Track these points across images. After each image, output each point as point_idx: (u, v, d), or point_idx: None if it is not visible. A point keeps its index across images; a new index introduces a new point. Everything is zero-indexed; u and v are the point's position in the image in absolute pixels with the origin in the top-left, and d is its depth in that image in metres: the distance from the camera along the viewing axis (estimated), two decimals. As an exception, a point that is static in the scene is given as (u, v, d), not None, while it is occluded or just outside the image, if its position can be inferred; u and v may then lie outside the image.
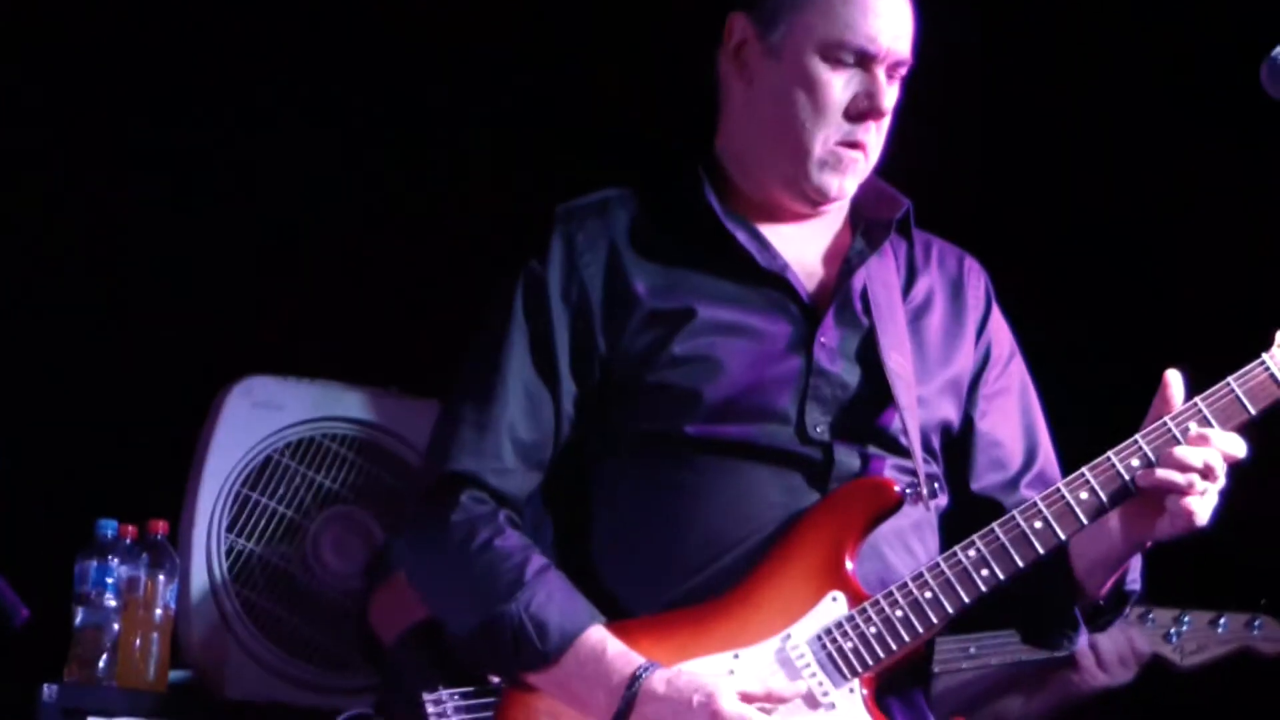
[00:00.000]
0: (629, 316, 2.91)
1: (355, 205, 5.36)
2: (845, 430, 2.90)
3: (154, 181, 5.15)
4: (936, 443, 2.98)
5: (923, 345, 3.00)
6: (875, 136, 2.95)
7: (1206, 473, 2.81)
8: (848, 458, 2.89)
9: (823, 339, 2.92)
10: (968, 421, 3.03)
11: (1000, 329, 3.10)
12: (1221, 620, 3.95)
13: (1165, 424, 2.86)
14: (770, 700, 2.76)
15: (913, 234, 3.08)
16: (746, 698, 2.75)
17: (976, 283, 3.11)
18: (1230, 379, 2.88)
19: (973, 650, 3.62)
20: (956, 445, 3.02)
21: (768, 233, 2.98)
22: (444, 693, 2.89)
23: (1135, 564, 3.01)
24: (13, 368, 4.63)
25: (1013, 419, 3.07)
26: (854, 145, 2.95)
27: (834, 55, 2.93)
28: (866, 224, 3.02)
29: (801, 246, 3.01)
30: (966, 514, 2.99)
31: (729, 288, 2.93)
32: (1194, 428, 2.84)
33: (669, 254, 2.95)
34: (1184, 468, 2.81)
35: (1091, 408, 3.78)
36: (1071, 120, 5.24)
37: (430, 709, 2.88)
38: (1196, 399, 2.87)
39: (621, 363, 2.91)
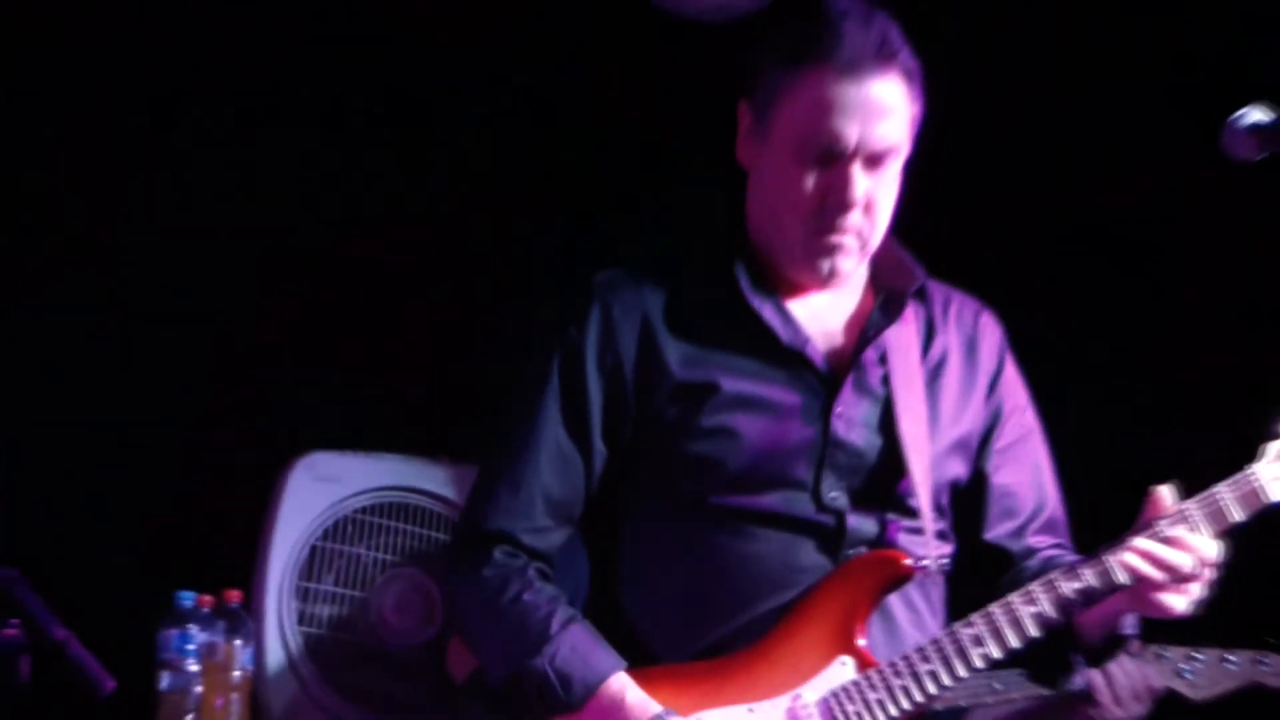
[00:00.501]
0: (659, 387, 3.08)
1: (355, 206, 5.37)
2: (861, 497, 3.09)
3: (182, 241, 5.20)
4: (946, 500, 3.17)
5: (937, 405, 3.16)
6: (861, 219, 3.07)
7: (1175, 571, 3.00)
8: (862, 523, 3.08)
9: (839, 409, 3.09)
10: (981, 475, 3.21)
11: (1012, 383, 3.26)
12: (1231, 657, 4.11)
13: (1156, 526, 3.03)
14: None
15: (931, 294, 3.23)
16: None
17: (990, 341, 3.26)
18: (1220, 487, 3.05)
19: (997, 686, 3.76)
20: (969, 496, 3.20)
21: (792, 303, 3.15)
22: None
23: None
24: (83, 446, 4.92)
25: (1024, 469, 3.24)
26: (837, 231, 3.08)
27: (805, 152, 3.05)
28: (885, 294, 3.17)
29: (826, 315, 3.17)
30: (977, 560, 3.21)
31: (752, 363, 3.10)
32: (1179, 531, 3.02)
33: (698, 328, 3.12)
34: (1156, 566, 3.01)
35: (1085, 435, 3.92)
36: (1068, 126, 5.26)
37: None
38: (1188, 503, 3.05)
39: (651, 430, 3.09)
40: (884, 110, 3.05)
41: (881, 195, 3.08)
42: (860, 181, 3.04)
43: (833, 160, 3.05)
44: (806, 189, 3.05)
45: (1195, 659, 4.10)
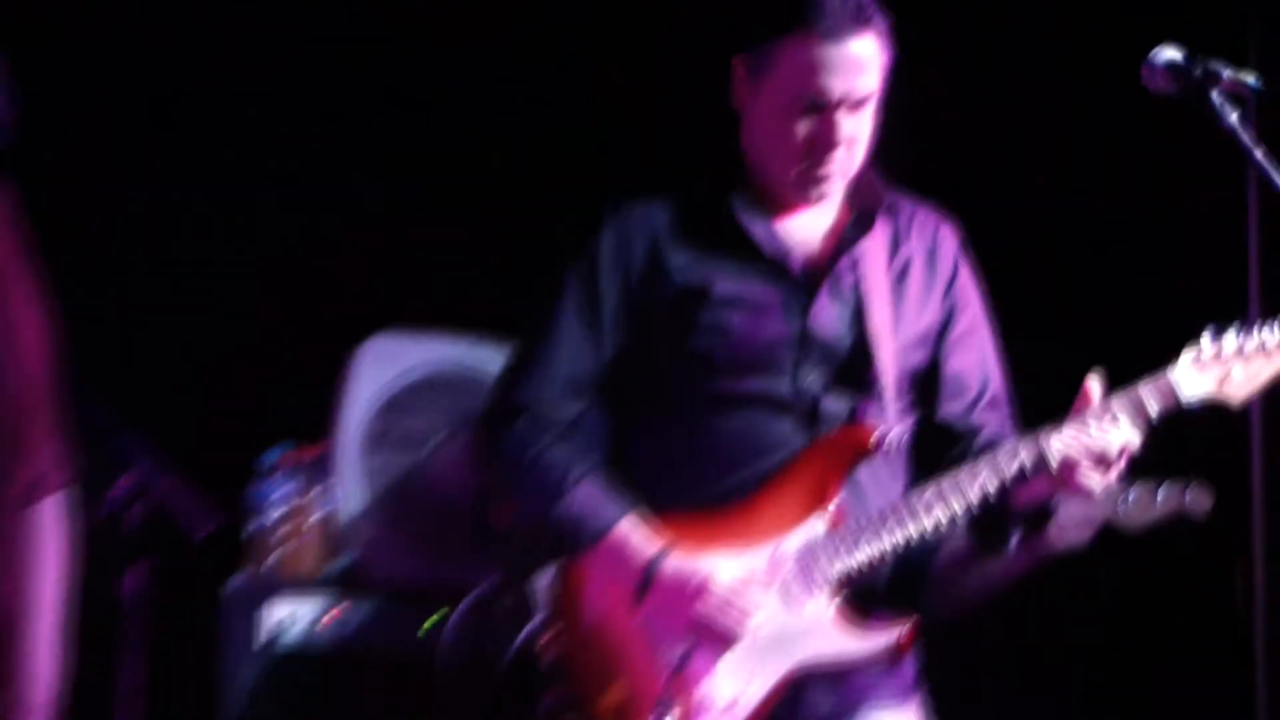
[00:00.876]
0: (663, 291, 3.70)
1: (355, 206, 5.37)
2: (834, 383, 3.70)
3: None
4: (908, 385, 3.79)
5: (901, 305, 3.77)
6: (843, 153, 3.66)
7: (1098, 454, 3.57)
8: (834, 406, 3.71)
9: (815, 310, 3.71)
10: (936, 362, 3.82)
11: (966, 284, 3.86)
12: (1161, 488, 4.69)
13: (1084, 416, 3.61)
14: (754, 583, 3.57)
15: (899, 208, 3.84)
16: (736, 579, 3.60)
17: (948, 248, 3.86)
18: (1141, 384, 3.61)
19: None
20: (926, 382, 3.81)
21: (778, 220, 3.76)
22: (551, 571, 3.66)
23: None
24: (207, 329, 5.62)
25: (972, 356, 3.84)
26: (824, 165, 3.66)
27: (794, 105, 3.62)
28: (859, 210, 3.80)
29: (807, 229, 3.78)
30: (933, 437, 3.80)
31: (741, 270, 3.71)
32: (1105, 419, 3.59)
33: (697, 241, 3.73)
34: (1082, 447, 3.57)
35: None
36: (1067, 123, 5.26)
37: (538, 584, 3.62)
38: (1111, 398, 3.61)
39: (657, 330, 3.71)
40: (862, 65, 3.62)
41: (860, 132, 3.70)
42: (843, 125, 3.66)
43: (818, 110, 3.65)
44: (797, 135, 3.66)
45: (1130, 491, 4.69)
